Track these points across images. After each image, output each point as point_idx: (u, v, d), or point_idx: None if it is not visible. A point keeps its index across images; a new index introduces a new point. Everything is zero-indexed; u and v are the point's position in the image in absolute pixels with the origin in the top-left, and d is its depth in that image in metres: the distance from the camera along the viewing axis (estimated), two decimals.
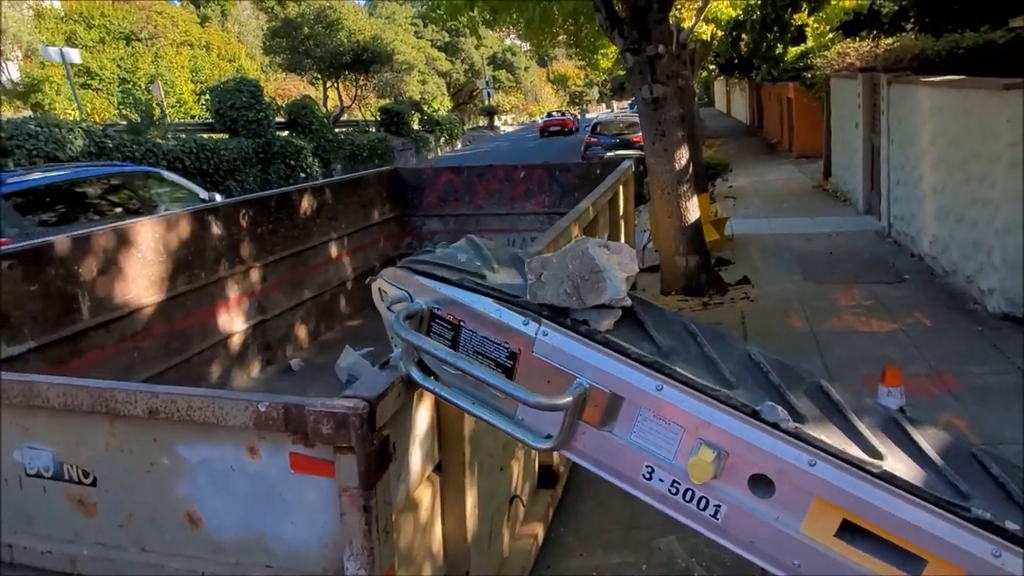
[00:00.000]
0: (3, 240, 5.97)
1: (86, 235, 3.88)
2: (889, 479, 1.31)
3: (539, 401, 1.45)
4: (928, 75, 8.53)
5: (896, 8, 10.73)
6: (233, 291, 4.99)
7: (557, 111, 48.83)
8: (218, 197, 8.41)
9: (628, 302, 1.57)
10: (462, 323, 1.63)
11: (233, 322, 4.98)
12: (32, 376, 1.80)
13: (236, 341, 5.00)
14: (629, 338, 1.52)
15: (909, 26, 10.81)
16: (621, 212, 6.10)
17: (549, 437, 1.56)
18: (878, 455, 1.35)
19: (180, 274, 4.51)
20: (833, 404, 1.46)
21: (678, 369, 1.44)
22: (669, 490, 1.47)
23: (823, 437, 1.37)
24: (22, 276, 3.49)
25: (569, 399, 1.47)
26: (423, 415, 2.04)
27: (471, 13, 5.84)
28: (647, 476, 1.49)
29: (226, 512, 1.73)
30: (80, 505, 1.83)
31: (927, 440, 1.42)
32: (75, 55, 16.79)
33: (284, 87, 29.19)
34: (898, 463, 1.35)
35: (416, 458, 2.03)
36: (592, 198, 4.35)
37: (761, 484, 1.40)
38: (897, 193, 8.49)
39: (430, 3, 6.93)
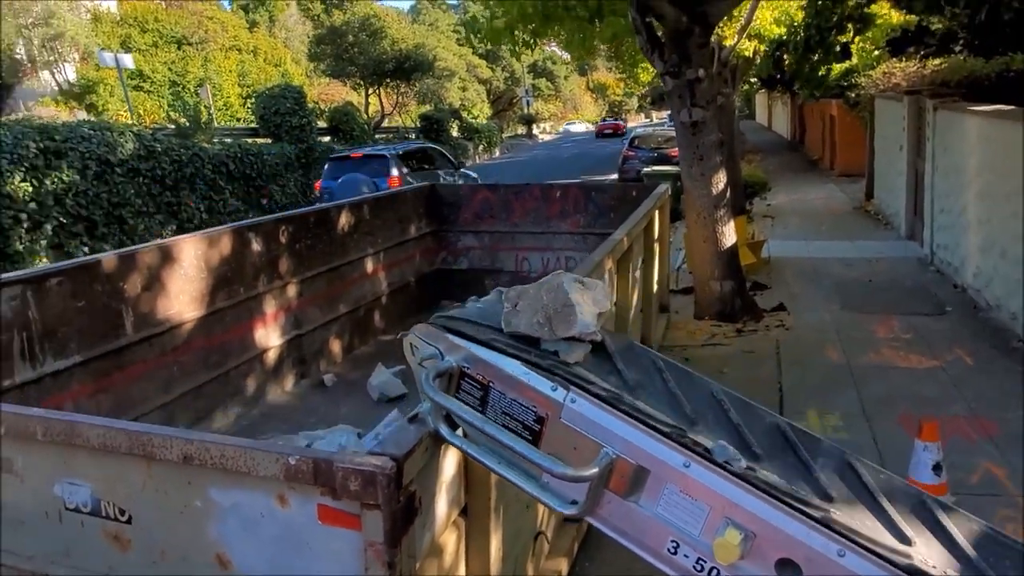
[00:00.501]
0: (396, 178, 12.75)
1: (131, 252, 4.00)
2: (829, 523, 1.35)
3: (565, 472, 1.46)
4: (976, 97, 8.34)
5: (945, 29, 10.51)
6: (270, 306, 5.09)
7: (610, 117, 59.60)
8: (472, 173, 16.33)
9: (598, 336, 1.62)
10: (491, 384, 1.64)
11: (269, 336, 5.07)
12: (74, 416, 1.86)
13: (272, 355, 5.09)
14: (597, 371, 1.58)
15: (958, 48, 10.58)
16: (656, 236, 6.07)
17: (574, 503, 1.56)
18: (828, 498, 1.39)
19: (220, 290, 4.61)
20: (788, 443, 1.50)
21: (707, 444, 1.44)
22: (694, 567, 1.47)
23: (775, 476, 1.40)
24: (70, 293, 3.61)
25: (595, 470, 1.47)
26: (450, 461, 2.05)
27: (512, 35, 5.88)
28: (672, 550, 1.49)
29: (255, 557, 1.77)
30: (116, 541, 1.88)
31: (870, 475, 1.45)
32: (129, 60, 17.29)
33: (327, 92, 29.65)
34: (842, 506, 1.38)
35: (442, 505, 2.04)
36: (626, 227, 4.33)
37: (788, 568, 1.38)
38: (941, 221, 8.29)
39: (471, 26, 6.99)
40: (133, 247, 4.14)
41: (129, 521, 1.86)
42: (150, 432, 1.74)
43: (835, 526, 1.35)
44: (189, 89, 24.27)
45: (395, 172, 12.99)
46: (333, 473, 1.59)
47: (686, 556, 1.47)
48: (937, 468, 2.75)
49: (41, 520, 1.94)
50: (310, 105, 19.24)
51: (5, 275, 3.38)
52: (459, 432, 1.75)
